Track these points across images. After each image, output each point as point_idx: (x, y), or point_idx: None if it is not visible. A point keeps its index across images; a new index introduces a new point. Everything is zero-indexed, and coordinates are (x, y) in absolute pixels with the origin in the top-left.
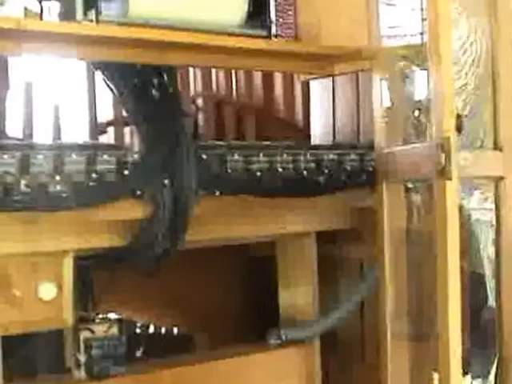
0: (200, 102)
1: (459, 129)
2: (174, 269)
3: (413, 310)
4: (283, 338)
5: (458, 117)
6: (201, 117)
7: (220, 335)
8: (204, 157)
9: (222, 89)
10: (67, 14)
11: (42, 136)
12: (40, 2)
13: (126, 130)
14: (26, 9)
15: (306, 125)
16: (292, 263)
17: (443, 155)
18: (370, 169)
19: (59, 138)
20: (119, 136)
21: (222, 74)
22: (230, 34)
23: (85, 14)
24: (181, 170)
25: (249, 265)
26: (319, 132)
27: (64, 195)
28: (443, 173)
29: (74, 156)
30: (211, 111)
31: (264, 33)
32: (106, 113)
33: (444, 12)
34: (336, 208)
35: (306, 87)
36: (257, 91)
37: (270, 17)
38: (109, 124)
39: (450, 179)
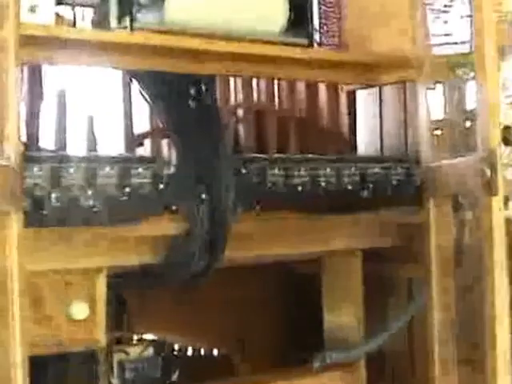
0: (240, 112)
1: (507, 141)
2: (212, 287)
3: (463, 332)
4: (328, 360)
5: (507, 128)
6: (241, 128)
7: (261, 357)
8: (243, 171)
9: (263, 99)
10: (101, 21)
11: (76, 147)
12: (73, 9)
13: (164, 141)
14: (58, 16)
15: (351, 136)
16: (337, 282)
17: (488, 169)
18: (417, 183)
19: (94, 150)
20: (156, 148)
21: (263, 84)
22: (271, 43)
23: (119, 21)
24: (218, 184)
25: (291, 284)
26: (365, 144)
27: (96, 210)
28: (489, 187)
29: (106, 169)
30: (252, 122)
31: (306, 41)
32: (142, 124)
33: (489, 21)
34: (382, 224)
35: (351, 97)
36: (300, 101)
37: (312, 25)
38: (146, 136)
39: (496, 194)
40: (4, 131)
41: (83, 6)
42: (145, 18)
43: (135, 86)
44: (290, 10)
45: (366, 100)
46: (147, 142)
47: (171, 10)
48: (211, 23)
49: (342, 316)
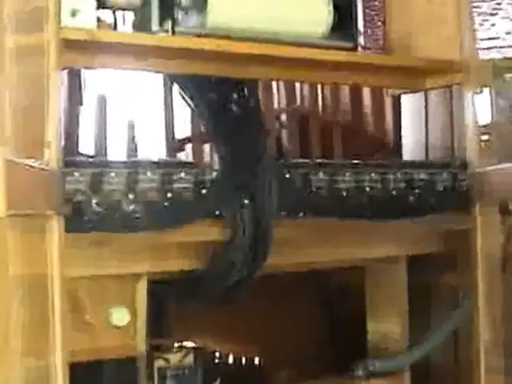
0: (284, 117)
1: None
2: (254, 294)
3: (509, 341)
4: (371, 368)
5: None
6: (284, 133)
7: (303, 365)
8: (287, 176)
9: (307, 103)
10: (142, 25)
11: (116, 153)
12: (114, 13)
13: (206, 146)
14: (99, 19)
15: (396, 141)
16: (381, 290)
17: None
18: (464, 189)
19: (134, 155)
20: (198, 153)
21: (306, 88)
22: (314, 46)
23: (161, 24)
24: (261, 189)
25: (334, 292)
26: (410, 149)
27: (137, 215)
28: None
29: (148, 174)
30: (296, 127)
31: (350, 45)
32: (184, 129)
33: None
34: (427, 231)
35: (396, 102)
36: (344, 105)
37: (357, 28)
38: (187, 140)
39: None
40: (45, 136)
41: (124, 9)
42: (187, 21)
43: (176, 90)
44: (334, 12)
45: (411, 105)
46: (188, 147)
47: (214, 13)
48: (254, 27)
49: (386, 324)
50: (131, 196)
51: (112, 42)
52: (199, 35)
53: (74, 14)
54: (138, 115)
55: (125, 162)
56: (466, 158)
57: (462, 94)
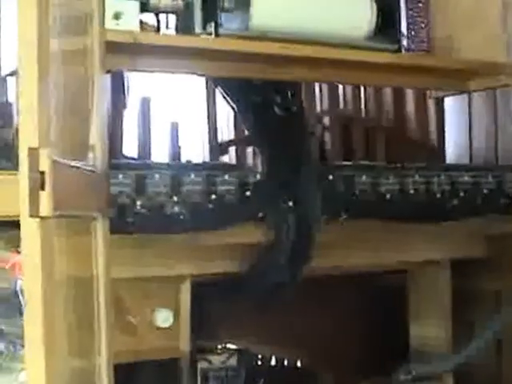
0: (327, 120)
1: None
2: (296, 297)
3: None
4: (413, 373)
5: None
6: (328, 136)
7: (345, 369)
8: (330, 178)
9: (349, 106)
10: (185, 27)
11: (160, 155)
12: (156, 16)
13: (249, 149)
14: (142, 22)
15: (439, 144)
16: (424, 294)
17: None
18: (509, 192)
19: (178, 158)
20: (241, 156)
21: (349, 91)
22: (358, 48)
23: (204, 27)
24: (305, 192)
25: (377, 295)
26: (454, 152)
27: (181, 217)
28: None
29: (192, 176)
30: (339, 130)
31: (394, 46)
32: (227, 131)
33: None
34: (471, 234)
35: (439, 104)
36: (387, 108)
37: (400, 30)
38: (230, 143)
39: None
40: (90, 139)
41: (167, 12)
42: (230, 23)
43: (220, 92)
44: (378, 15)
45: (454, 107)
46: (232, 150)
47: (257, 16)
48: (297, 29)
49: (429, 328)
50: (175, 198)
51: (155, 45)
52: (242, 37)
53: (117, 16)
54: (181, 118)
55: (169, 165)
56: (510, 160)
57: (508, 96)
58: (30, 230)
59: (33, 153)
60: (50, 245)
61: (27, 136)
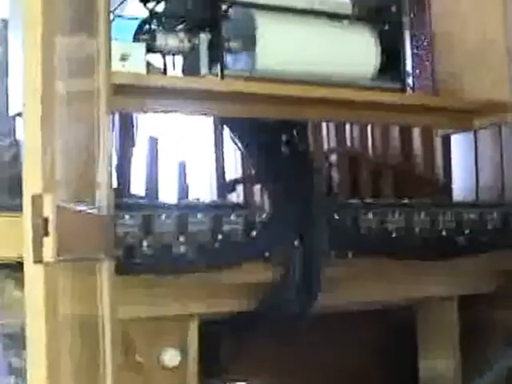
0: (334, 157)
1: None
2: (307, 333)
3: None
4: None
5: None
6: (335, 173)
7: None
8: (336, 217)
9: (356, 144)
10: (191, 68)
11: (168, 193)
12: (163, 57)
13: (257, 187)
14: (148, 64)
15: (446, 181)
16: (433, 329)
17: None
18: None
19: (186, 196)
20: (249, 194)
21: (356, 129)
22: (363, 88)
23: (210, 68)
24: (311, 230)
25: (386, 331)
26: (461, 189)
27: (188, 257)
28: None
29: (198, 216)
30: (346, 167)
31: (398, 86)
32: (235, 170)
33: None
34: (479, 270)
35: (446, 141)
36: (393, 145)
37: (405, 69)
38: (238, 181)
39: None
40: (96, 179)
41: (173, 53)
42: (235, 64)
43: (227, 131)
44: (383, 54)
45: (460, 144)
46: (239, 188)
47: (262, 57)
48: (302, 69)
49: (438, 363)
50: (182, 238)
51: (161, 87)
52: (248, 78)
53: (123, 58)
54: (189, 156)
55: (175, 205)
56: None
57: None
58: (33, 276)
59: (36, 199)
60: (54, 289)
61: (31, 182)
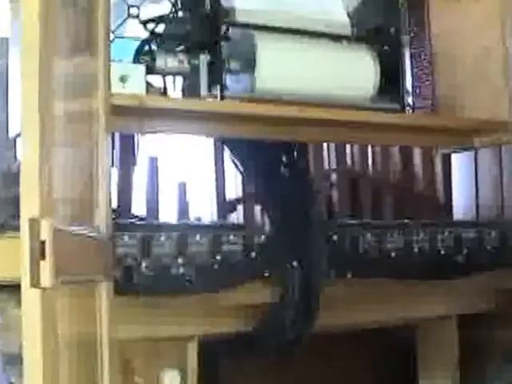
0: (334, 177)
1: None
2: (307, 355)
3: None
4: None
5: None
6: (335, 193)
7: None
8: (335, 237)
9: (357, 163)
10: (191, 90)
11: (168, 213)
12: (163, 77)
13: (257, 206)
14: (148, 84)
15: (446, 200)
16: (432, 348)
17: None
18: None
19: (186, 216)
20: (249, 214)
21: (356, 148)
22: (362, 108)
23: (209, 89)
24: (310, 251)
25: (386, 350)
26: (461, 208)
27: (187, 278)
28: None
29: (197, 237)
30: (346, 187)
31: (397, 106)
32: (235, 189)
33: None
34: (478, 290)
35: (446, 160)
36: (394, 165)
37: (404, 89)
38: (238, 201)
39: None
40: (94, 200)
41: (173, 74)
42: (235, 85)
43: (227, 151)
44: (382, 74)
45: (461, 163)
46: (240, 207)
47: (261, 78)
48: (302, 90)
49: (437, 381)
50: (180, 260)
51: (161, 108)
52: (248, 99)
53: (123, 80)
54: (189, 176)
55: (174, 226)
56: None
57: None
58: (30, 300)
59: (33, 222)
60: (51, 312)
61: (28, 205)
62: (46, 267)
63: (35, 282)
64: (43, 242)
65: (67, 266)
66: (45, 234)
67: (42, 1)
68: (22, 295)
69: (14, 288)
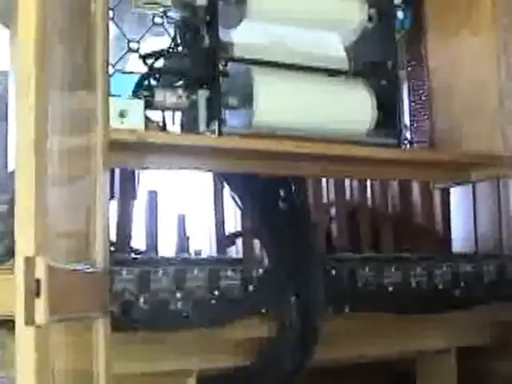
0: (333, 210)
1: None
2: None
3: None
4: None
5: None
6: (334, 226)
7: None
8: (333, 272)
9: (356, 197)
10: (190, 124)
11: (167, 247)
12: (162, 112)
13: (257, 240)
14: (147, 119)
15: (445, 232)
16: (431, 381)
17: None
18: None
19: (186, 250)
20: (248, 247)
21: (355, 181)
22: (359, 143)
23: (208, 124)
24: (308, 286)
25: (386, 383)
26: (459, 240)
27: (185, 313)
28: None
29: (195, 272)
30: (345, 220)
31: (395, 141)
32: (234, 222)
33: None
34: (476, 322)
35: (444, 194)
36: (393, 199)
37: (401, 124)
38: (237, 235)
39: None
40: (91, 235)
41: (172, 109)
42: (233, 121)
43: (226, 185)
44: (379, 108)
45: (459, 197)
46: (239, 241)
47: (259, 113)
48: (299, 125)
49: None
50: (179, 294)
51: (160, 143)
52: (246, 134)
53: (122, 115)
54: (189, 209)
55: (172, 260)
56: None
57: (509, 186)
58: (24, 338)
59: (28, 261)
60: (46, 349)
61: (23, 243)
62: (40, 305)
63: (30, 320)
64: (38, 280)
65: (62, 304)
66: (40, 272)
67: (39, 34)
68: (16, 332)
69: (13, 323)
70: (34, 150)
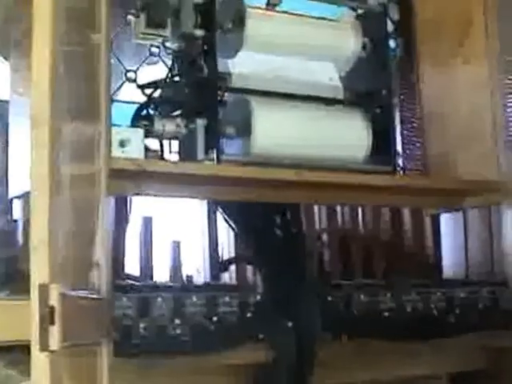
0: (325, 237)
1: None
2: None
3: None
4: None
5: None
6: (326, 253)
7: None
8: (329, 298)
9: (347, 223)
10: (188, 153)
11: (162, 273)
12: (160, 141)
13: (250, 267)
14: (146, 148)
15: (436, 259)
16: None
17: None
18: (504, 306)
19: (180, 276)
20: (242, 273)
21: (347, 208)
22: (354, 171)
23: (206, 153)
24: (304, 312)
25: None
26: (451, 267)
27: (184, 339)
28: None
29: (194, 298)
30: (337, 247)
31: (389, 168)
32: (228, 249)
33: None
34: (469, 349)
35: (435, 220)
36: (384, 225)
37: (395, 152)
38: (231, 261)
39: None
40: (94, 262)
41: (170, 138)
42: (231, 149)
43: (221, 212)
44: (374, 136)
45: (450, 223)
46: (232, 267)
47: (257, 142)
48: (296, 153)
49: None
50: (177, 321)
51: (159, 172)
52: (243, 163)
53: (123, 144)
54: (182, 236)
55: (171, 287)
56: (505, 275)
57: (501, 213)
58: (40, 363)
59: (43, 289)
60: (59, 374)
61: (38, 272)
62: (54, 332)
63: (45, 346)
64: (52, 308)
65: (73, 330)
66: (54, 299)
67: (51, 71)
68: (31, 358)
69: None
70: (48, 182)
